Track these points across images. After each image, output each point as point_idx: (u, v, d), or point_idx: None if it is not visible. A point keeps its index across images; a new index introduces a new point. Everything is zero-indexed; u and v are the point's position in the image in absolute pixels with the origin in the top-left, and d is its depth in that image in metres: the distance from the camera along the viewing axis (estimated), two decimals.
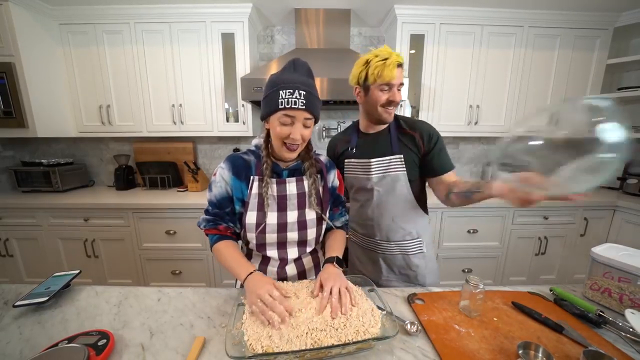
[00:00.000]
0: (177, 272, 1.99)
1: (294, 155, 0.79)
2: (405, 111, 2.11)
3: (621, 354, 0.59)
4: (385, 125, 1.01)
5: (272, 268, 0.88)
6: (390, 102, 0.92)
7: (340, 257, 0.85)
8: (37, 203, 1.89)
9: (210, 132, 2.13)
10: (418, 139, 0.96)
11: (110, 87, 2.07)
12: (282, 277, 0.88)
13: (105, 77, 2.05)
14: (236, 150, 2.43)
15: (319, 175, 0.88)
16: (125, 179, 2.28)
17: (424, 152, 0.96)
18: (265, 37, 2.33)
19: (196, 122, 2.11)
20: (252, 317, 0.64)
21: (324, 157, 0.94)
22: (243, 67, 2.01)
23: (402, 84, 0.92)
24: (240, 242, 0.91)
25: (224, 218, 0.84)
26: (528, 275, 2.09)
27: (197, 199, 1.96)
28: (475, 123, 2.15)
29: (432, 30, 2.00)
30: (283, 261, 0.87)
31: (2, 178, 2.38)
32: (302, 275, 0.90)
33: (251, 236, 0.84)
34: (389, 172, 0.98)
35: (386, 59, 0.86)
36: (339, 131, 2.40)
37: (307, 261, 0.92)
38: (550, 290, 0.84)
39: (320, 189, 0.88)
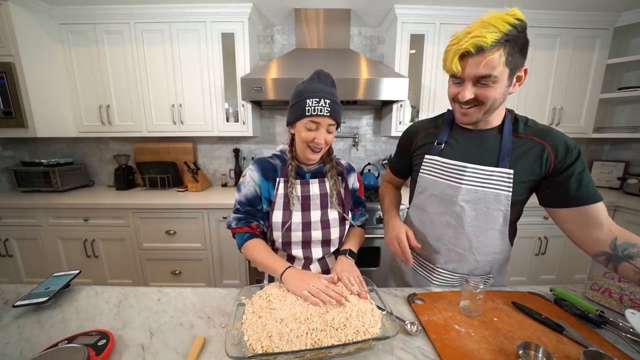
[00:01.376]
0: (177, 272, 1.99)
1: (318, 156, 0.85)
2: (405, 111, 2.10)
3: (621, 354, 0.59)
4: (496, 124, 0.78)
5: (297, 267, 0.89)
6: (457, 99, 0.72)
7: (354, 250, 0.91)
8: (37, 203, 1.89)
9: (210, 132, 2.13)
10: (549, 152, 0.71)
11: (110, 87, 2.06)
12: None
13: (105, 77, 2.05)
14: (236, 150, 2.43)
15: (339, 177, 0.93)
16: (125, 179, 2.28)
17: (551, 171, 0.71)
18: (265, 37, 2.32)
19: (196, 122, 2.11)
20: (253, 317, 0.64)
21: (344, 161, 0.99)
22: (243, 67, 2.01)
23: (486, 77, 0.64)
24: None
25: (256, 216, 0.87)
26: (528, 275, 2.09)
27: (197, 199, 1.96)
28: None
29: (432, 30, 2.00)
30: (307, 260, 0.91)
31: (2, 178, 2.38)
32: (326, 274, 0.91)
33: (277, 235, 0.88)
34: (487, 187, 0.76)
35: (457, 42, 0.65)
36: (338, 132, 2.41)
37: (331, 260, 0.95)
38: (551, 291, 0.84)
39: (342, 190, 0.93)
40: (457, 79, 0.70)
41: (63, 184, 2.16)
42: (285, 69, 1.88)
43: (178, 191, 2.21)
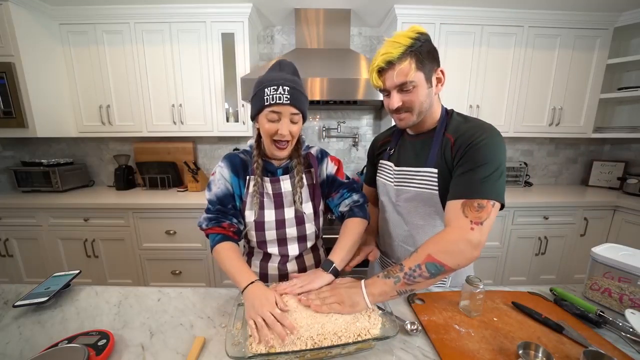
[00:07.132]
0: (177, 272, 1.99)
1: (285, 153, 0.80)
2: None
3: (621, 354, 0.59)
4: (433, 126, 0.81)
5: (273, 264, 0.89)
6: (391, 109, 0.78)
7: (338, 262, 0.78)
8: (37, 203, 1.89)
9: (210, 132, 2.13)
10: (451, 145, 0.74)
11: (110, 87, 2.06)
12: (283, 273, 0.89)
13: (105, 77, 2.05)
14: (236, 150, 2.43)
15: (311, 171, 0.89)
16: (125, 179, 2.28)
17: (452, 164, 0.73)
18: (265, 37, 2.32)
19: (196, 122, 2.11)
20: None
21: (315, 149, 0.93)
22: (243, 67, 2.01)
23: (404, 84, 0.71)
24: (242, 241, 0.91)
25: (227, 215, 0.83)
26: (528, 275, 2.09)
27: (197, 199, 1.96)
28: None
29: (432, 30, 1.99)
30: (284, 257, 0.89)
31: (2, 178, 2.38)
32: (302, 272, 0.90)
33: (251, 234, 0.87)
34: (415, 187, 0.80)
35: (373, 63, 0.74)
36: (338, 132, 2.42)
37: (309, 258, 0.93)
38: (551, 290, 0.84)
39: (313, 183, 0.88)
40: (385, 92, 0.77)
41: (63, 184, 2.16)
42: None
43: (178, 191, 2.22)
